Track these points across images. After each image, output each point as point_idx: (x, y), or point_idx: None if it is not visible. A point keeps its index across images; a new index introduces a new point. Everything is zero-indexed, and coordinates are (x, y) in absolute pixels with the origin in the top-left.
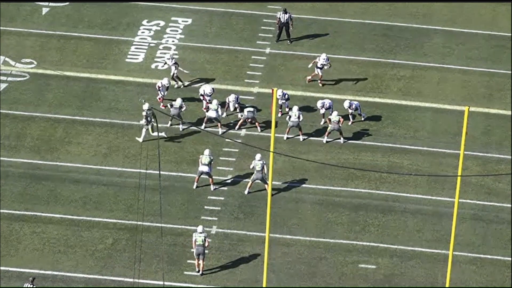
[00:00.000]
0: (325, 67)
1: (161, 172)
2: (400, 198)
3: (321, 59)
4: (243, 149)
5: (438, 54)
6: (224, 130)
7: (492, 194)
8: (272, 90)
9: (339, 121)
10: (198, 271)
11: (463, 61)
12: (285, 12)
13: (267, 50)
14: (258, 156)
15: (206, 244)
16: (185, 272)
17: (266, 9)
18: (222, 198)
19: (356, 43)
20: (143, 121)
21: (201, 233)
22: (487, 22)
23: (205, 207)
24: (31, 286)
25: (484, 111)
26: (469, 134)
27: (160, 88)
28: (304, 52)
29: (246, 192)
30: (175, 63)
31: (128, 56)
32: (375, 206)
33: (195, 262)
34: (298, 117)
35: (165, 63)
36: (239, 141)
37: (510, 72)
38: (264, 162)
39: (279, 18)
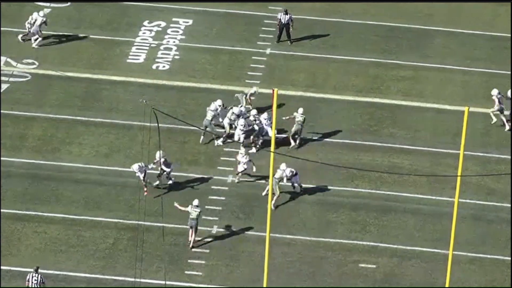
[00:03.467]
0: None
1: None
2: (400, 198)
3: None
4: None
5: (438, 55)
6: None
7: (492, 194)
8: (273, 90)
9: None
10: (189, 245)
11: (463, 62)
12: (286, 13)
13: (268, 51)
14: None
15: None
16: (186, 272)
17: (267, 10)
18: (223, 198)
19: (357, 43)
20: None
21: (196, 206)
22: (488, 23)
23: (206, 207)
24: (35, 275)
25: (484, 112)
26: (469, 135)
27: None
28: (305, 52)
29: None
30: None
31: (129, 57)
32: (375, 206)
33: (188, 235)
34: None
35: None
36: (241, 141)
37: (510, 72)
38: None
39: (280, 19)
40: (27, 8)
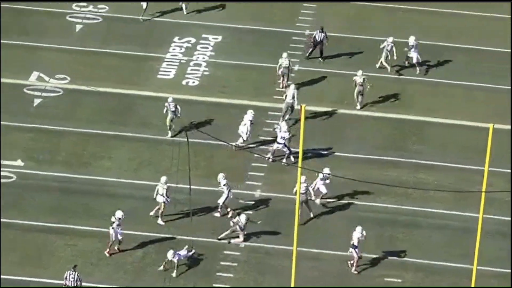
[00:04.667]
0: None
1: (191, 187)
2: (426, 213)
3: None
4: (272, 164)
5: (463, 71)
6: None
7: None
8: (301, 106)
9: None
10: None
11: (488, 78)
12: (322, 30)
13: (296, 67)
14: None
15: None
16: (215, 285)
17: (295, 27)
18: (251, 212)
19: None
20: None
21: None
22: (508, 39)
23: (234, 220)
24: (72, 273)
25: (509, 128)
26: (496, 151)
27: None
28: (333, 69)
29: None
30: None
31: (160, 73)
32: (401, 221)
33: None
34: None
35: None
36: (269, 156)
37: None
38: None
39: (315, 36)
40: (59, 23)
